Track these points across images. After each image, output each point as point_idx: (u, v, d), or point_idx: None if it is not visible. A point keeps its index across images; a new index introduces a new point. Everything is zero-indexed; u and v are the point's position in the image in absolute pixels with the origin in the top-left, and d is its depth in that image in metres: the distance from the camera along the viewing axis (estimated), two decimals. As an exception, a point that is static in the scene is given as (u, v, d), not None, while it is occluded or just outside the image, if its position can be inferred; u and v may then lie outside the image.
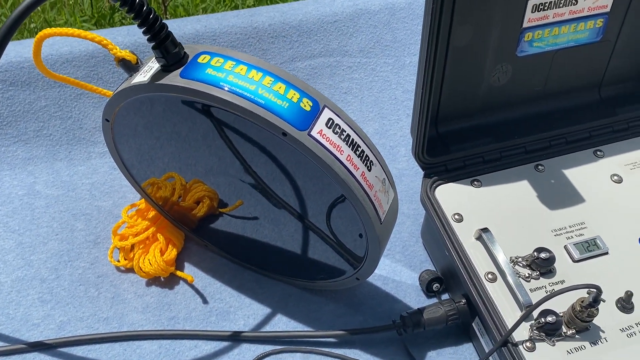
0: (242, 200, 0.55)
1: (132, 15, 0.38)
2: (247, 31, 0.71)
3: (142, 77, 0.42)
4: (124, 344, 0.54)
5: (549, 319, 0.47)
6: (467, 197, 0.56)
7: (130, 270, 0.59)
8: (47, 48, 0.66)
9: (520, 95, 0.61)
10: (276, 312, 0.57)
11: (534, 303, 0.48)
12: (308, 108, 0.40)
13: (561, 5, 0.55)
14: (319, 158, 0.39)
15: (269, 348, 0.54)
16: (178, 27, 0.71)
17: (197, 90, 0.39)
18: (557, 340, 0.48)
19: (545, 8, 0.54)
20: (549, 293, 0.49)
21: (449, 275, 0.57)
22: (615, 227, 0.55)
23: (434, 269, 0.60)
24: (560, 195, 0.57)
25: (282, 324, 0.56)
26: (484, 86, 0.59)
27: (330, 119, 0.40)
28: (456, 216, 0.55)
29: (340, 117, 0.41)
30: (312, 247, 0.53)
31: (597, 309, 0.46)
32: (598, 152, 0.61)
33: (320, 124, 0.40)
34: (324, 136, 0.40)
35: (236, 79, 0.39)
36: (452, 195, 0.56)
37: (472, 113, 0.60)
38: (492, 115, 0.60)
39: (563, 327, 0.48)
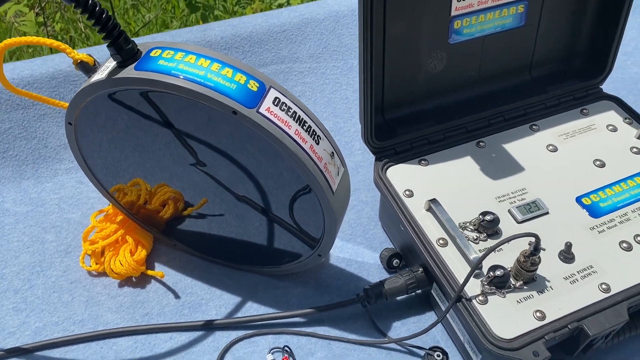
0: (206, 199, 0.58)
1: (87, 15, 0.42)
2: (201, 45, 0.75)
3: (100, 75, 0.45)
4: (100, 342, 0.56)
5: (497, 272, 0.51)
6: (416, 175, 0.60)
7: (102, 274, 0.61)
8: (9, 72, 0.69)
9: (458, 80, 0.66)
10: (246, 300, 0.60)
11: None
12: (255, 88, 0.43)
13: (484, -7, 0.60)
14: (269, 133, 0.43)
15: (241, 334, 0.57)
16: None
17: (151, 79, 0.43)
18: (507, 292, 0.51)
19: (470, -3, 0.60)
20: (496, 254, 0.53)
21: (407, 250, 0.61)
22: (554, 190, 0.59)
23: (393, 247, 0.64)
24: (501, 167, 0.62)
25: (253, 310, 0.59)
26: (423, 73, 0.63)
27: (276, 97, 0.44)
28: (407, 192, 0.59)
29: (286, 96, 0.45)
30: (273, 233, 0.57)
31: (539, 258, 0.50)
32: (534, 126, 0.66)
33: (267, 102, 0.44)
34: (272, 113, 0.43)
35: (186, 66, 0.43)
36: (402, 175, 0.60)
37: (415, 99, 0.64)
38: (433, 100, 0.65)
39: (511, 279, 0.52)
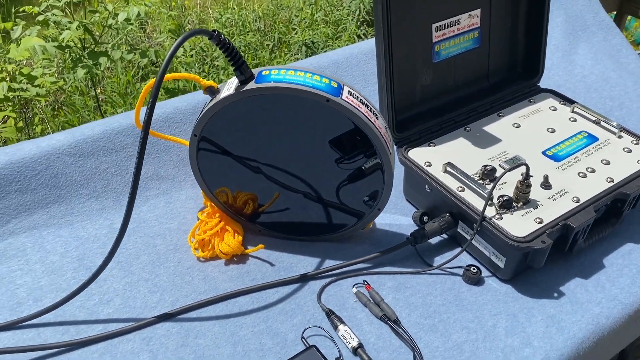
0: (278, 193, 0.78)
1: (226, 53, 0.64)
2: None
3: (227, 92, 0.67)
4: (225, 302, 0.73)
5: (505, 198, 0.74)
6: (429, 153, 0.84)
7: (209, 260, 0.79)
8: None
9: (441, 88, 0.91)
10: (324, 259, 0.79)
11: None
12: (336, 85, 0.66)
13: (451, 25, 0.87)
14: (350, 112, 0.65)
15: (328, 280, 0.76)
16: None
17: (271, 87, 0.65)
18: (514, 211, 0.74)
19: (443, 28, 0.86)
20: (498, 191, 0.76)
21: (432, 207, 0.83)
22: (525, 149, 0.84)
23: (420, 210, 0.85)
24: (485, 141, 0.86)
25: (331, 265, 0.78)
26: (418, 86, 0.89)
27: (349, 90, 0.67)
28: (426, 163, 0.82)
29: (354, 90, 0.68)
30: (342, 202, 0.77)
31: (530, 183, 0.74)
32: (500, 114, 0.92)
33: (345, 93, 0.66)
34: (350, 99, 0.66)
35: (290, 77, 0.65)
36: (419, 154, 0.84)
37: (415, 104, 0.89)
38: (427, 103, 0.90)
39: (514, 203, 0.75)
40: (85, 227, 0.83)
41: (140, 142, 0.59)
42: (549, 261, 0.77)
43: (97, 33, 2.02)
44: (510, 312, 0.72)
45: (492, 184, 0.77)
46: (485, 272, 0.77)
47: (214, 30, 0.62)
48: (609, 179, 0.78)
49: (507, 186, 0.77)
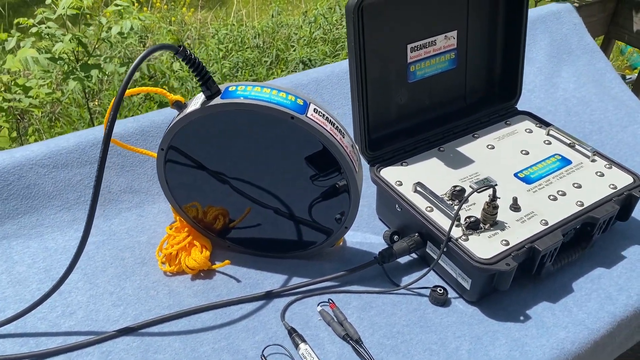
0: (250, 208, 0.78)
1: (192, 69, 0.64)
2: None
3: (193, 107, 0.67)
4: (188, 318, 0.73)
5: (472, 219, 0.74)
6: (401, 172, 0.84)
7: (176, 274, 0.79)
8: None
9: (417, 108, 0.91)
10: (292, 276, 0.79)
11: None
12: (302, 103, 0.66)
13: (427, 46, 0.88)
14: (315, 129, 0.66)
15: (294, 298, 0.75)
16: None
17: (236, 102, 0.65)
18: (481, 233, 0.74)
19: (419, 49, 0.87)
20: (467, 212, 0.76)
21: (402, 227, 0.82)
22: (497, 171, 0.84)
23: (391, 229, 0.85)
24: (458, 162, 0.86)
25: (298, 282, 0.77)
26: (393, 105, 0.89)
27: (315, 108, 0.67)
28: (397, 182, 0.82)
29: (321, 108, 0.68)
30: (310, 219, 0.77)
31: (497, 204, 0.74)
32: (475, 135, 0.92)
33: (311, 111, 0.66)
34: (314, 117, 0.66)
35: (256, 93, 0.66)
36: (390, 173, 0.84)
37: (390, 123, 0.89)
38: (403, 123, 0.90)
39: (481, 224, 0.75)
40: (55, 238, 0.83)
41: (100, 155, 0.59)
42: (517, 284, 0.77)
43: (96, 46, 2.04)
44: (475, 334, 0.71)
45: (458, 204, 0.77)
46: (452, 294, 0.77)
47: (179, 45, 0.63)
48: (579, 203, 0.78)
49: (477, 207, 0.77)
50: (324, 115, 0.68)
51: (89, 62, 1.86)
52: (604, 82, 1.25)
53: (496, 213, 0.74)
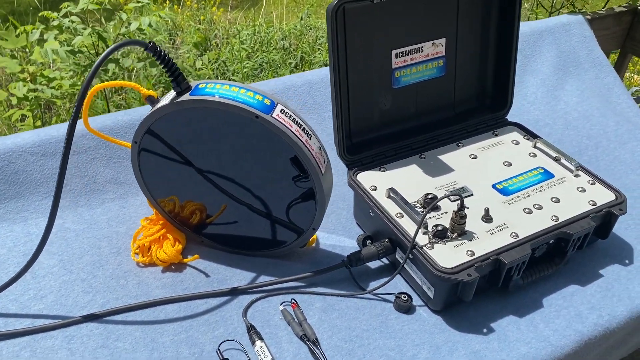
0: (225, 205, 0.79)
1: (162, 65, 0.66)
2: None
3: (164, 102, 0.69)
4: (153, 308, 0.74)
5: (439, 227, 0.73)
6: (378, 177, 0.84)
7: (148, 265, 0.80)
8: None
9: (402, 114, 0.91)
10: (260, 274, 0.79)
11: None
12: (268, 102, 0.67)
13: (413, 52, 0.87)
14: (279, 129, 0.66)
15: (258, 296, 0.76)
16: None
17: (204, 100, 0.66)
18: (447, 242, 0.73)
19: (404, 55, 0.87)
20: (437, 220, 0.75)
21: (376, 232, 0.82)
22: (476, 181, 0.83)
23: (366, 234, 0.85)
24: (437, 170, 0.86)
25: (265, 281, 0.78)
26: (377, 110, 0.89)
27: (282, 109, 0.68)
28: (372, 187, 0.82)
29: (288, 109, 0.69)
30: (280, 220, 0.78)
31: (465, 214, 0.73)
32: (459, 144, 0.91)
33: (277, 111, 0.67)
34: (280, 117, 0.67)
35: (224, 91, 0.67)
36: (368, 178, 0.84)
37: (373, 128, 0.89)
38: (386, 128, 0.90)
39: (449, 233, 0.74)
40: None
41: (64, 144, 0.61)
42: (485, 296, 0.76)
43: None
44: (434, 343, 0.70)
45: (432, 212, 0.77)
46: (419, 301, 0.76)
47: (149, 42, 0.64)
48: (553, 217, 0.77)
49: (449, 217, 0.76)
50: (290, 116, 0.68)
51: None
52: (610, 97, 1.22)
53: (464, 223, 0.73)
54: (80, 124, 0.91)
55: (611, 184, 0.83)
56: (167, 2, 3.48)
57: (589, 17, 1.35)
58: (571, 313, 0.74)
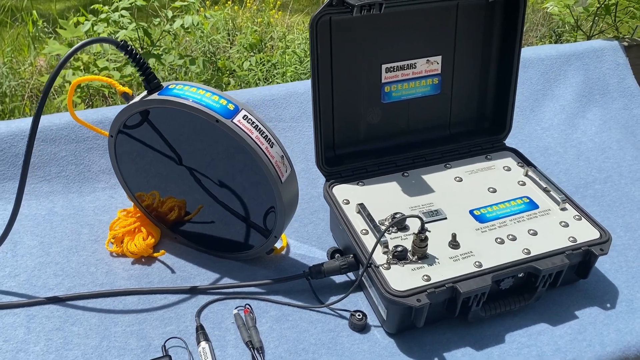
0: (202, 205, 0.81)
1: (134, 63, 0.68)
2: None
3: (136, 99, 0.71)
4: (114, 298, 0.77)
5: (398, 249, 0.71)
6: (354, 192, 0.83)
7: (120, 256, 0.83)
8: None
9: (391, 130, 0.90)
10: (224, 276, 0.80)
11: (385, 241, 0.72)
12: (232, 108, 0.68)
13: (405, 68, 0.86)
14: (237, 135, 0.67)
15: (216, 297, 0.77)
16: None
17: (167, 100, 0.68)
18: (406, 264, 0.71)
19: (395, 70, 0.85)
20: (403, 241, 0.74)
21: (345, 247, 0.81)
22: (454, 205, 0.81)
23: (338, 247, 0.84)
24: (417, 189, 0.84)
25: (226, 283, 0.79)
26: (364, 124, 0.88)
27: (245, 115, 0.69)
28: (345, 201, 0.81)
29: (252, 116, 0.69)
30: (243, 225, 0.78)
31: (426, 237, 0.71)
32: (447, 165, 0.89)
33: (239, 117, 0.68)
34: (241, 123, 0.68)
35: (190, 93, 0.68)
36: (343, 191, 0.83)
37: (359, 141, 0.88)
38: (372, 143, 0.89)
39: (410, 255, 0.72)
40: (30, 205, 0.91)
41: (29, 133, 0.64)
42: (445, 324, 0.74)
43: (160, 37, 2.16)
44: (380, 367, 0.69)
45: (400, 233, 0.75)
46: (375, 321, 0.75)
47: (121, 40, 0.67)
48: (525, 250, 0.73)
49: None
50: (253, 122, 0.69)
51: (152, 51, 1.98)
52: (636, 130, 1.15)
53: (425, 246, 0.71)
54: (87, 114, 0.95)
55: (599, 222, 0.78)
56: (229, 2, 3.56)
57: (625, 43, 1.28)
58: (532, 352, 0.71)
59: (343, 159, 0.87)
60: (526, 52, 1.21)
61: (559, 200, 0.81)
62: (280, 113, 1.05)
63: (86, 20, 1.97)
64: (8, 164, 0.92)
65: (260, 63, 2.89)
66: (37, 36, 2.97)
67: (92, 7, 1.94)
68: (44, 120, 0.95)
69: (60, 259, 0.82)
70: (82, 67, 2.24)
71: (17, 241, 0.85)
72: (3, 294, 0.77)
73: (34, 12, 3.06)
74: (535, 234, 0.76)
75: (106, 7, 1.94)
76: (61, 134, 0.95)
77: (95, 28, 1.97)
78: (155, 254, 0.82)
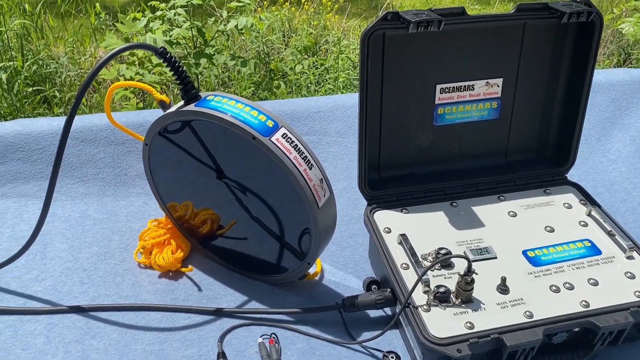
0: (235, 220, 0.77)
1: (172, 72, 0.64)
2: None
3: (172, 109, 0.67)
4: (137, 312, 0.73)
5: (441, 290, 0.65)
6: (397, 219, 0.77)
7: (148, 267, 0.80)
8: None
9: (442, 153, 0.83)
10: (252, 299, 0.76)
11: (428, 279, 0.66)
12: (271, 125, 0.63)
13: (462, 89, 0.79)
14: (275, 154, 0.62)
15: (241, 322, 0.72)
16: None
17: (204, 112, 0.64)
18: (448, 307, 0.65)
19: (450, 91, 0.79)
20: (446, 280, 0.67)
21: (384, 278, 0.76)
22: (506, 243, 0.74)
23: (375, 278, 0.79)
24: (466, 222, 0.77)
25: (256, 308, 0.74)
26: (413, 146, 0.82)
27: (285, 133, 0.64)
28: (386, 229, 0.75)
29: (292, 134, 0.64)
30: (277, 248, 0.74)
31: (472, 279, 0.64)
32: (501, 197, 0.82)
33: (277, 135, 0.63)
34: (279, 142, 0.63)
35: (228, 107, 0.64)
36: (385, 217, 0.77)
37: (406, 164, 0.82)
38: (421, 167, 0.83)
39: (452, 298, 0.66)
40: (64, 206, 0.89)
41: (60, 139, 0.62)
42: (487, 376, 0.67)
43: (214, 36, 2.15)
44: (411, 417, 0.63)
45: (444, 270, 0.69)
46: (409, 365, 0.69)
47: (161, 47, 0.63)
48: (583, 303, 0.66)
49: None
50: (292, 142, 0.64)
51: (205, 51, 1.97)
52: None
53: (471, 289, 0.65)
54: (128, 116, 0.93)
55: (671, 275, 0.70)
56: (287, 3, 3.55)
57: None
58: (585, 418, 0.63)
59: (387, 182, 0.81)
60: (596, 76, 1.10)
61: (626, 247, 0.72)
62: (325, 126, 1.00)
63: (143, 16, 1.98)
64: (47, 162, 0.91)
65: (314, 66, 2.86)
66: (99, 28, 3.03)
67: (150, 3, 1.95)
68: (85, 120, 0.94)
69: (88, 265, 0.80)
70: (136, 62, 2.26)
71: (48, 243, 0.83)
72: (27, 298, 0.75)
73: (97, 4, 3.12)
74: (595, 284, 0.68)
75: (163, 5, 1.94)
76: (100, 135, 0.93)
77: (151, 25, 1.98)
78: (183, 269, 0.79)
